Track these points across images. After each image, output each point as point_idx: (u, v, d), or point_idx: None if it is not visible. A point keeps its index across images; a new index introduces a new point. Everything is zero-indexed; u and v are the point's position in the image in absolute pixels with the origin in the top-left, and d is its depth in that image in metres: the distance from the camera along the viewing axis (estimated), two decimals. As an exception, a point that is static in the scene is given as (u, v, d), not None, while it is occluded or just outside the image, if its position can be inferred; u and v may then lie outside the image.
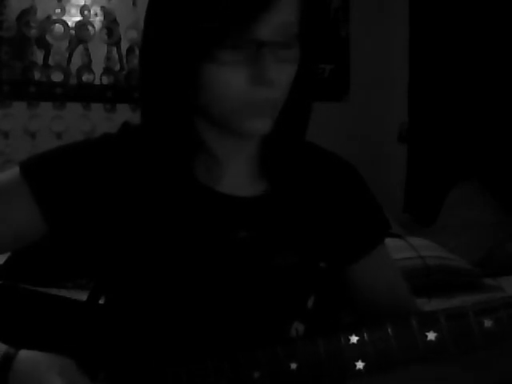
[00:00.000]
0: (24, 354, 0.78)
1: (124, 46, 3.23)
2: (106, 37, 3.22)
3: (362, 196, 1.00)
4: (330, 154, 1.01)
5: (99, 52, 3.22)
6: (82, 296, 0.96)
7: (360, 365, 0.79)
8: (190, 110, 0.87)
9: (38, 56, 3.13)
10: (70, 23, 3.16)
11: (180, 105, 0.86)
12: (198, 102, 0.85)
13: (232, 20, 0.78)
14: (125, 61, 3.25)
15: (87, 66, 3.21)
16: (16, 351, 0.78)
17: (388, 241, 1.02)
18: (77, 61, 3.19)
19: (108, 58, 3.24)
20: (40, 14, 3.12)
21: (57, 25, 3.15)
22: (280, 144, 0.92)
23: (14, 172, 0.90)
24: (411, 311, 1.00)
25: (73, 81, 3.18)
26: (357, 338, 0.79)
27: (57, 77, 3.16)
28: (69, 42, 3.17)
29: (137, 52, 3.17)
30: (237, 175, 0.93)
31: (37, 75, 3.13)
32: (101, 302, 0.96)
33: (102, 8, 3.20)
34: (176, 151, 0.88)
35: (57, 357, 0.78)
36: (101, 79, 3.23)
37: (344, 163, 1.01)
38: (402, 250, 2.46)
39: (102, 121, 3.17)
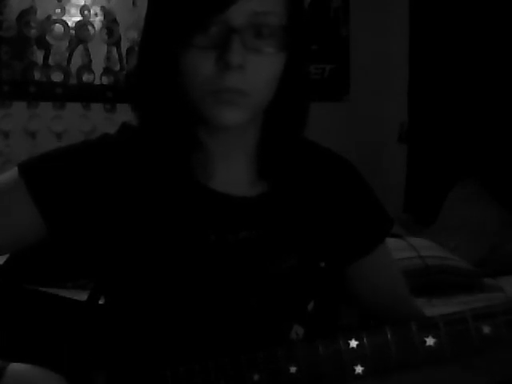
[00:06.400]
0: (14, 367, 0.78)
1: (124, 45, 3.23)
2: (106, 37, 3.22)
3: (362, 193, 1.00)
4: (325, 150, 1.01)
5: (99, 52, 3.22)
6: (82, 296, 0.97)
7: (359, 369, 0.79)
8: (180, 102, 0.87)
9: (38, 56, 3.14)
10: (70, 23, 3.16)
11: (169, 96, 0.87)
12: (181, 91, 0.86)
13: (205, 3, 0.80)
14: (125, 61, 3.25)
15: (87, 66, 3.21)
16: (6, 365, 0.78)
17: (388, 241, 1.01)
18: (77, 61, 3.19)
19: (108, 58, 3.24)
20: (40, 14, 3.12)
21: (57, 25, 3.15)
22: (277, 144, 0.93)
23: (12, 173, 0.90)
24: (411, 311, 1.00)
25: (73, 81, 3.19)
26: (356, 342, 0.79)
27: (57, 77, 3.16)
28: (69, 42, 3.17)
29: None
30: (233, 173, 0.93)
31: (37, 75, 3.13)
32: (101, 302, 0.97)
33: (102, 8, 3.20)
34: (172, 147, 0.89)
35: (47, 371, 0.79)
36: (101, 79, 3.23)
37: (340, 159, 1.01)
38: (402, 249, 2.46)
39: (101, 121, 3.17)
